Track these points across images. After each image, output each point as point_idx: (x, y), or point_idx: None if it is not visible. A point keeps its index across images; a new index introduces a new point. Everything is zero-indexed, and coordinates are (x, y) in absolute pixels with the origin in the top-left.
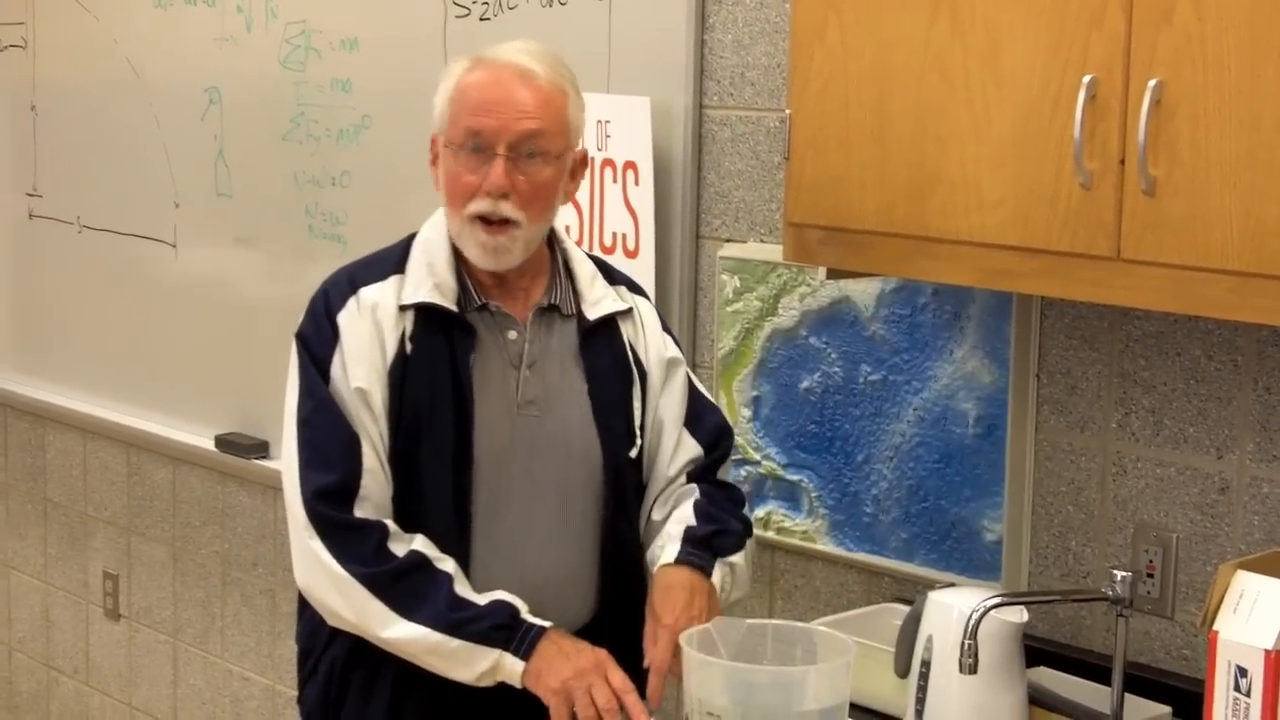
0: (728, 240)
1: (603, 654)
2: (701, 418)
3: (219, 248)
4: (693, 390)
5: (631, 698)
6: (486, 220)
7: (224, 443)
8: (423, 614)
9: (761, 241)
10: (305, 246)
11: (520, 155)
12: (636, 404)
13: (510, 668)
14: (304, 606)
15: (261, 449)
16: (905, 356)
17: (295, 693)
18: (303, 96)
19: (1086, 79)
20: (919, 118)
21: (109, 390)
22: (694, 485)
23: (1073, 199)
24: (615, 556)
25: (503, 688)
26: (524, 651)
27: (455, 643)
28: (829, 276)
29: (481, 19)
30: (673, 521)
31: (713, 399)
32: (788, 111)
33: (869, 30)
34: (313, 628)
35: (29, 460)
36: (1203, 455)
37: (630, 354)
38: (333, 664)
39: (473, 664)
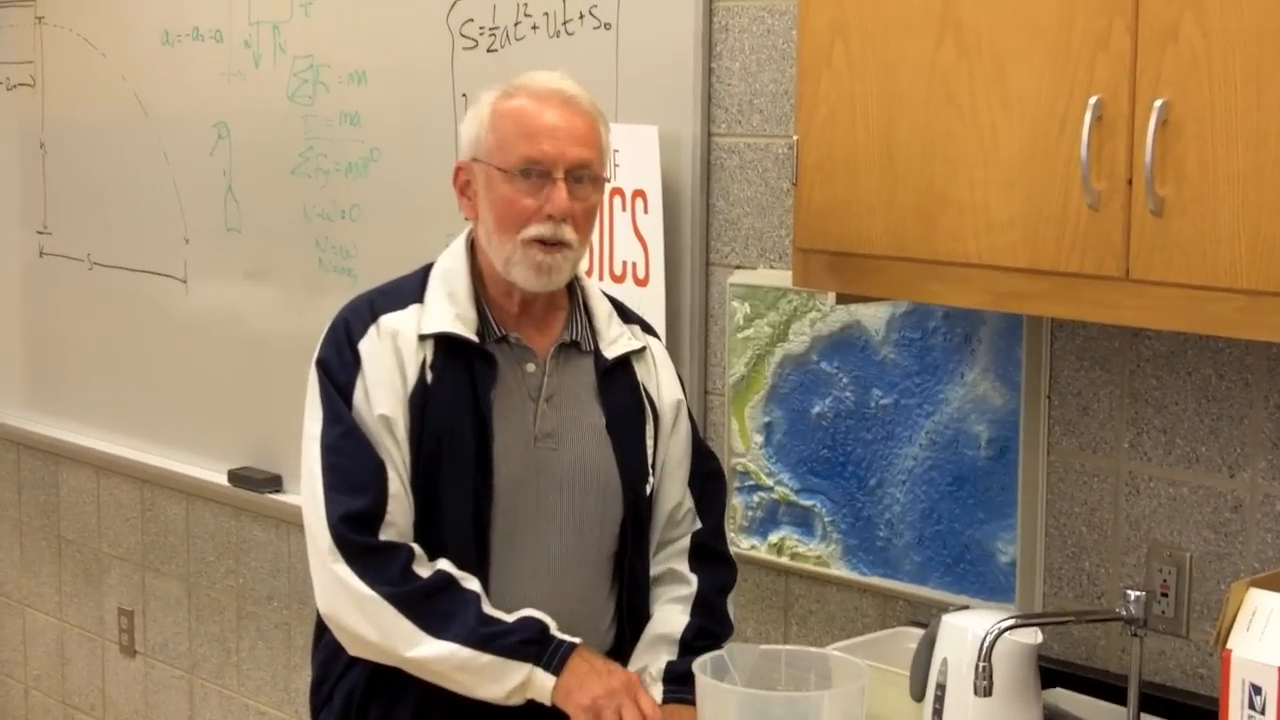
0: (737, 267)
1: (634, 676)
2: (695, 464)
3: (229, 282)
4: (696, 441)
5: None
6: (543, 242)
7: (237, 477)
8: (452, 631)
9: (771, 268)
10: (316, 280)
11: (573, 180)
12: (649, 441)
13: (541, 683)
14: (320, 635)
15: (275, 483)
16: (916, 380)
17: None
18: (311, 130)
19: (1093, 100)
20: (926, 141)
21: (121, 426)
22: (692, 581)
23: (1081, 220)
24: (630, 590)
25: (522, 716)
26: (555, 666)
27: (486, 658)
28: (839, 301)
29: (489, 50)
30: (658, 641)
31: (702, 438)
32: (795, 137)
33: (875, 55)
34: (328, 655)
35: (42, 497)
36: (1215, 474)
37: (643, 392)
38: (351, 693)
39: (503, 679)
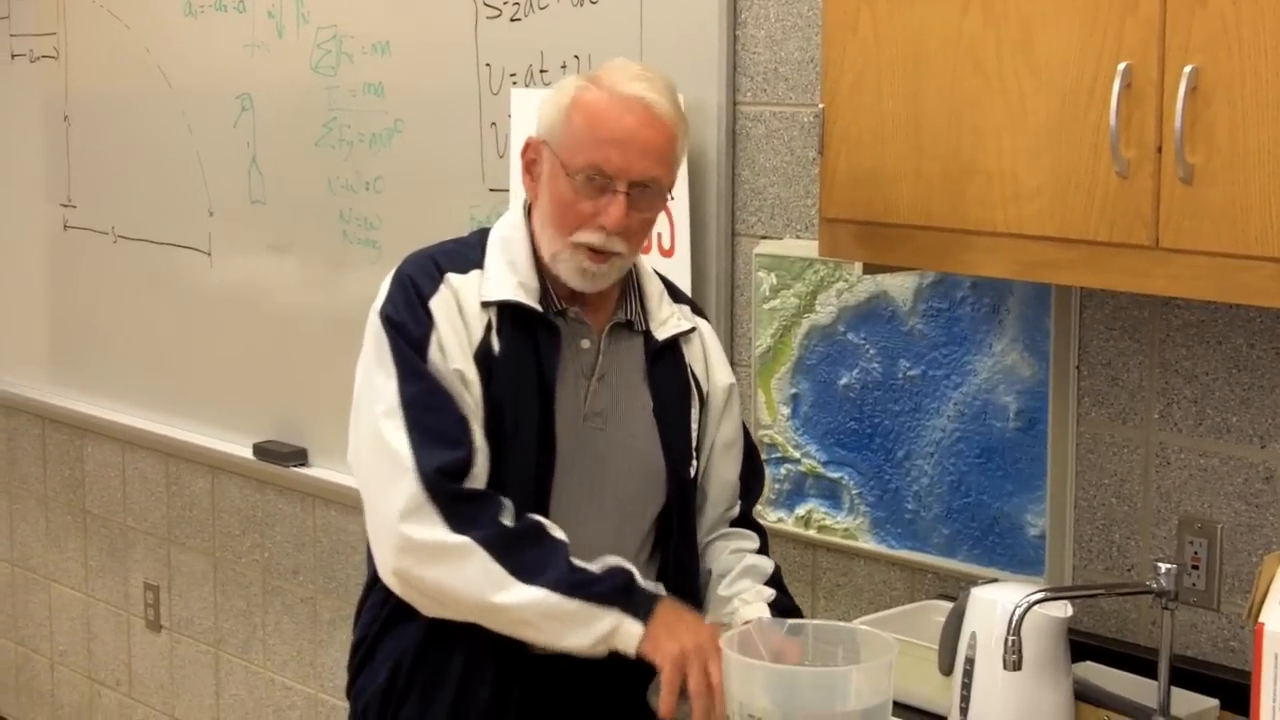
0: (763, 237)
1: (717, 632)
2: (748, 452)
3: (254, 255)
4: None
5: None
6: (592, 249)
7: (262, 451)
8: (543, 577)
9: (797, 238)
10: (340, 252)
11: (636, 191)
12: (694, 425)
13: (629, 630)
14: (368, 594)
15: (300, 456)
16: (944, 351)
17: (338, 701)
18: (335, 101)
19: (1121, 66)
20: (953, 109)
21: (146, 400)
22: (754, 537)
23: (1110, 188)
24: (675, 575)
25: (564, 694)
26: (643, 614)
27: (575, 604)
28: (865, 271)
29: (513, 19)
30: (749, 572)
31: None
32: (821, 106)
33: (901, 22)
34: (373, 615)
35: (68, 472)
36: (1246, 445)
37: (691, 375)
38: (400, 658)
39: (592, 626)
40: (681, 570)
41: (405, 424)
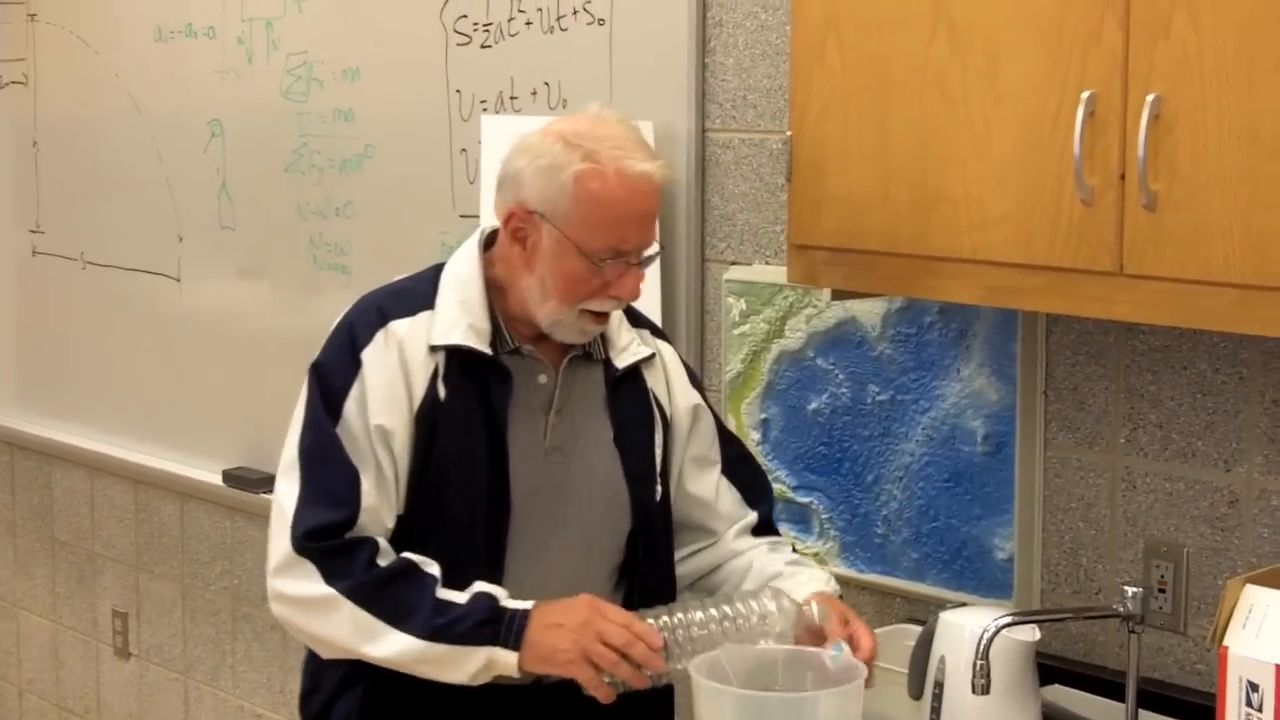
0: (733, 263)
1: (587, 598)
2: (737, 461)
3: (224, 280)
4: (722, 431)
5: (639, 626)
6: (598, 313)
7: (231, 477)
8: (409, 623)
9: (767, 263)
10: (310, 277)
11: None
12: (658, 450)
13: (504, 661)
14: None
15: (269, 483)
16: (912, 376)
17: None
18: (305, 127)
19: (1085, 95)
20: (919, 137)
21: (115, 427)
22: (785, 543)
23: (1074, 215)
24: (640, 602)
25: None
26: (513, 641)
27: (443, 648)
28: (834, 297)
29: (483, 46)
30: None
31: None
32: (789, 133)
33: (868, 51)
34: (320, 665)
35: (36, 499)
36: (1211, 469)
37: (653, 400)
38: (348, 716)
39: (464, 665)
40: (650, 596)
41: (298, 478)
